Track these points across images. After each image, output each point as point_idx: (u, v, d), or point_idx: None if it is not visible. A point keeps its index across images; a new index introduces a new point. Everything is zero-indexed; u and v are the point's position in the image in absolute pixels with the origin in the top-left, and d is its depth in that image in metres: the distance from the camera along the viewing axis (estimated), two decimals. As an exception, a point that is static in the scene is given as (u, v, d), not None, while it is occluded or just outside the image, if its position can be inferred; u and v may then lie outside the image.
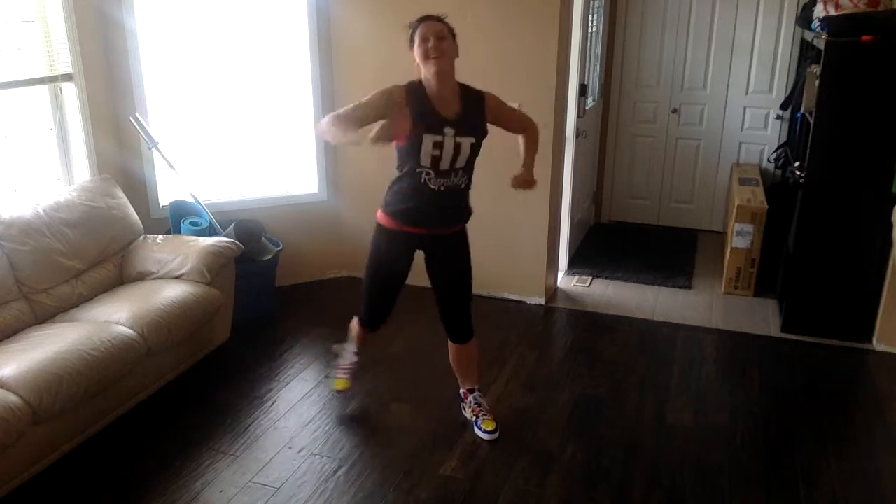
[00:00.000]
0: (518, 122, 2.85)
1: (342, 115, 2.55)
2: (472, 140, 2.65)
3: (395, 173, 2.75)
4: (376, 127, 2.40)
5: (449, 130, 2.60)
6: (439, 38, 2.55)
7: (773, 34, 5.26)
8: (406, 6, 4.08)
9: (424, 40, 2.55)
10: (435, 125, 2.59)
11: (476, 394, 3.10)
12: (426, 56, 2.56)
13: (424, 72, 2.61)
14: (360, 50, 4.29)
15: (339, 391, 3.33)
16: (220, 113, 4.21)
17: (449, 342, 3.03)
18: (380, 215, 2.82)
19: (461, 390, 3.15)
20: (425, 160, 2.61)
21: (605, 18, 5.36)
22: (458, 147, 2.62)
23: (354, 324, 3.17)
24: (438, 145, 2.59)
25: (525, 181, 2.79)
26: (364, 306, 3.04)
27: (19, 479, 2.58)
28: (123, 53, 3.81)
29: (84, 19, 3.61)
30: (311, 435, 3.06)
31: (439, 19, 2.61)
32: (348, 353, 3.27)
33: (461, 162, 2.65)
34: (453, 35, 2.63)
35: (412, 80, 2.65)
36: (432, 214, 2.75)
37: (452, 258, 2.88)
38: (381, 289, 2.95)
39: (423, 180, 2.65)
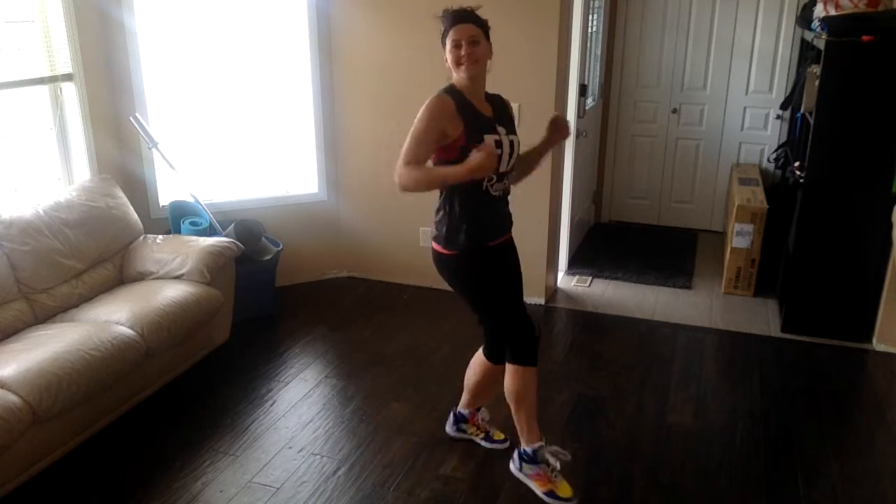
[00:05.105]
0: None
1: (414, 166, 2.35)
2: (516, 137, 2.53)
3: (441, 198, 2.51)
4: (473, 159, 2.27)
5: (500, 129, 2.46)
6: (472, 42, 2.36)
7: (773, 34, 5.26)
8: (406, 6, 4.12)
9: (456, 46, 2.37)
10: (488, 125, 2.44)
11: (483, 410, 3.01)
12: (458, 63, 2.38)
13: (457, 75, 2.43)
14: (359, 50, 4.29)
15: (567, 499, 2.63)
16: (220, 113, 4.22)
17: (488, 363, 2.77)
18: (452, 253, 2.50)
19: (466, 410, 2.96)
20: None
21: (605, 18, 5.36)
22: (511, 145, 2.49)
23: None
24: (499, 144, 2.42)
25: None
26: (513, 325, 2.59)
27: (19, 479, 2.57)
28: (123, 53, 3.81)
29: (84, 19, 3.62)
30: (311, 435, 3.06)
31: (471, 17, 2.39)
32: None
33: (512, 161, 2.52)
34: (487, 34, 2.42)
35: (447, 86, 2.45)
36: (499, 222, 2.60)
37: (516, 267, 2.69)
38: (516, 297, 2.63)
39: (485, 188, 2.46)
